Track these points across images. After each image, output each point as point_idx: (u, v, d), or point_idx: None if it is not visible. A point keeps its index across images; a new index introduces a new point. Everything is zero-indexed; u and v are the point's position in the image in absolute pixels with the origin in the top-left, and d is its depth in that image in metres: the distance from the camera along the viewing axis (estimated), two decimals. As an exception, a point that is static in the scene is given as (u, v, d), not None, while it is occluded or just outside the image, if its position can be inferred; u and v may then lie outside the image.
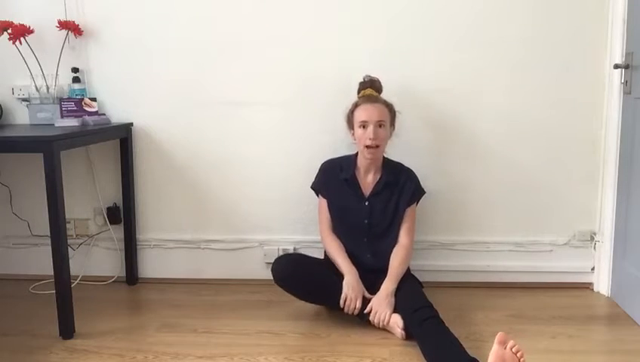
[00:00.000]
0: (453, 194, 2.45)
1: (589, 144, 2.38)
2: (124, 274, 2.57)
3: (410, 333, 1.91)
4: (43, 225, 2.39)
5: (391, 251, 2.15)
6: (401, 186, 2.18)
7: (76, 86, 2.42)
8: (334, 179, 2.21)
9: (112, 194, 2.58)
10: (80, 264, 2.57)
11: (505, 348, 1.56)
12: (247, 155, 2.48)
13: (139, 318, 2.22)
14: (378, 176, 2.19)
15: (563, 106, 2.36)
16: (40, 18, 2.39)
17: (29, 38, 2.36)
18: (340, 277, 2.09)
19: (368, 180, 2.20)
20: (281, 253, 2.47)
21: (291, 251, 2.51)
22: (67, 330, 2.00)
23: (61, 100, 2.34)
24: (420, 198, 2.23)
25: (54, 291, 1.97)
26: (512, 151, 2.40)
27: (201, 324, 2.12)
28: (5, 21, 2.32)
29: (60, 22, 2.36)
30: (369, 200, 2.18)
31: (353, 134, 2.16)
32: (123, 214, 2.53)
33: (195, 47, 2.42)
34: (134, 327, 2.12)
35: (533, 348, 1.86)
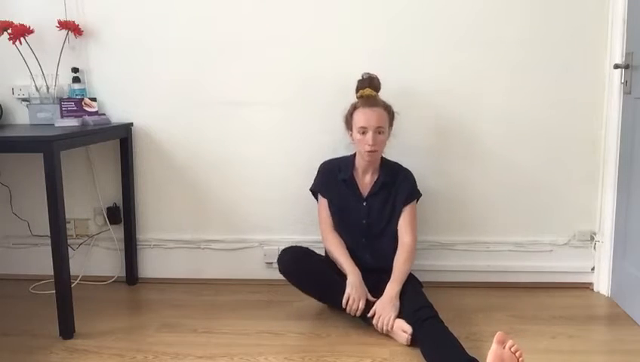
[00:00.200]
0: (453, 194, 2.45)
1: (589, 144, 2.38)
2: (124, 274, 2.57)
3: (415, 340, 1.87)
4: (43, 225, 2.39)
5: (389, 250, 2.14)
6: (397, 186, 2.18)
7: (76, 86, 2.42)
8: (333, 180, 2.21)
9: (112, 194, 2.58)
10: (80, 264, 2.57)
11: (504, 348, 1.56)
12: (247, 155, 2.48)
13: (139, 318, 2.22)
14: (376, 177, 2.19)
15: (563, 106, 2.36)
16: (40, 18, 2.39)
17: (29, 38, 2.36)
18: (342, 277, 2.09)
19: (366, 180, 2.20)
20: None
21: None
22: (67, 330, 2.00)
23: (61, 100, 2.34)
24: (416, 199, 2.21)
25: (54, 291, 1.97)
26: (512, 152, 2.40)
27: (201, 324, 2.12)
28: (5, 21, 2.32)
29: (59, 22, 2.36)
30: (367, 200, 2.19)
31: (351, 135, 2.16)
32: (123, 214, 2.53)
33: (195, 47, 2.42)
34: (134, 327, 2.12)
35: (533, 348, 1.86)
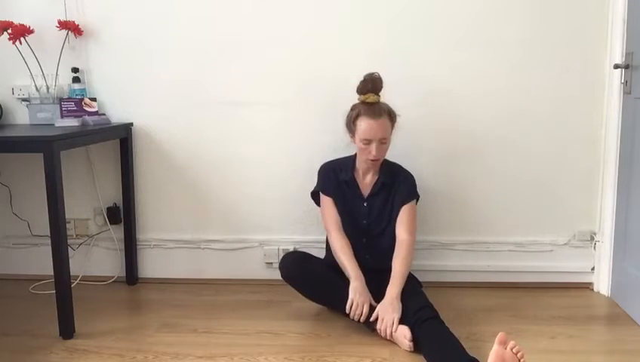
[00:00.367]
0: (453, 194, 2.45)
1: (589, 144, 2.38)
2: (124, 274, 2.57)
3: (417, 343, 1.86)
4: (43, 225, 2.39)
5: (390, 250, 2.13)
6: (397, 187, 2.17)
7: (76, 86, 2.42)
8: (334, 181, 2.21)
9: (112, 194, 2.58)
10: (80, 264, 2.57)
11: (505, 349, 1.56)
12: (247, 155, 2.48)
13: (139, 318, 2.22)
14: (376, 177, 2.19)
15: (563, 106, 2.36)
16: (40, 18, 2.39)
17: (29, 38, 2.36)
18: (344, 280, 2.07)
19: (367, 181, 2.20)
20: (281, 253, 2.47)
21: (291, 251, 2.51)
22: (67, 330, 2.00)
23: (61, 100, 2.34)
24: (415, 200, 2.19)
25: (54, 291, 1.97)
26: (512, 152, 2.40)
27: (201, 324, 2.12)
28: (5, 21, 2.32)
29: (59, 22, 2.36)
30: (367, 200, 2.18)
31: (352, 137, 2.14)
32: (123, 214, 2.53)
33: (195, 47, 2.42)
34: (134, 327, 2.12)
35: (533, 348, 1.86)
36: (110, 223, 2.57)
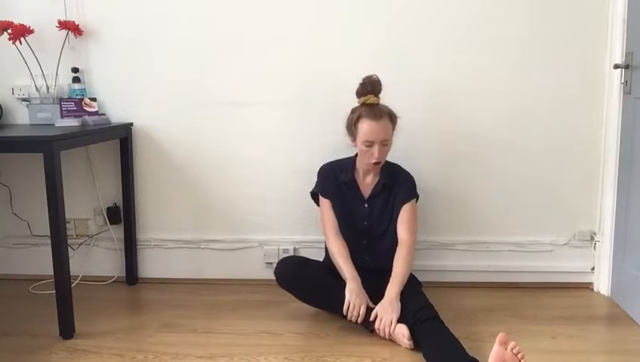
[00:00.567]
0: (453, 194, 2.45)
1: (589, 144, 2.38)
2: (124, 274, 2.57)
3: (416, 343, 1.87)
4: (43, 225, 2.39)
5: (391, 251, 2.13)
6: (397, 187, 2.17)
7: (76, 86, 2.42)
8: (334, 182, 2.21)
9: (112, 194, 2.58)
10: (80, 264, 2.57)
11: (506, 349, 1.56)
12: (247, 155, 2.48)
13: (139, 318, 2.22)
14: (377, 178, 2.18)
15: (563, 106, 2.36)
16: (40, 18, 2.39)
17: (29, 38, 2.36)
18: (341, 282, 2.07)
19: (367, 182, 2.19)
20: (281, 253, 2.48)
21: (291, 251, 2.51)
22: (67, 330, 2.00)
23: (61, 100, 2.34)
24: (414, 199, 2.19)
25: (54, 291, 1.97)
26: (512, 152, 2.40)
27: (201, 324, 2.12)
28: (5, 21, 2.32)
29: (59, 22, 2.36)
30: (368, 201, 2.18)
31: (354, 142, 2.12)
32: (123, 214, 2.53)
33: (195, 47, 2.42)
34: (134, 327, 2.12)
35: (533, 348, 1.86)
36: (110, 223, 2.57)
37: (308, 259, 2.23)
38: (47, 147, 1.88)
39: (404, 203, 2.16)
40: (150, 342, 1.99)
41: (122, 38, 2.44)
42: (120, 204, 2.54)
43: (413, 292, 2.04)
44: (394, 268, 2.07)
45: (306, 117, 2.43)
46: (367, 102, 2.08)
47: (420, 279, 2.22)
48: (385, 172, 2.18)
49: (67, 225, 2.37)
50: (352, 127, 2.10)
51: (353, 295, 1.99)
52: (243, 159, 2.49)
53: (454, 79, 2.36)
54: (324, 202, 2.21)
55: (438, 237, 2.48)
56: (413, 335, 1.88)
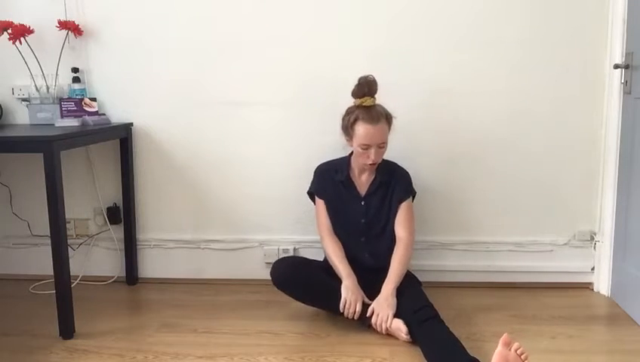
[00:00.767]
0: (452, 194, 2.45)
1: (589, 144, 2.38)
2: (124, 274, 2.57)
3: (415, 341, 1.88)
4: (43, 225, 2.39)
5: (388, 249, 2.14)
6: (394, 185, 2.18)
7: (76, 86, 2.42)
8: (330, 182, 2.21)
9: (112, 194, 2.58)
10: (80, 264, 2.57)
11: (509, 350, 1.56)
12: (247, 155, 2.48)
13: (139, 318, 2.22)
14: (373, 176, 2.19)
15: (563, 106, 2.36)
16: (40, 18, 2.39)
17: (29, 38, 2.36)
18: (338, 280, 2.08)
19: (363, 180, 2.20)
20: (281, 253, 2.48)
21: (291, 251, 2.51)
22: (67, 330, 2.00)
23: (61, 100, 2.34)
24: (412, 196, 2.20)
25: (54, 291, 1.97)
26: (512, 152, 2.40)
27: (201, 324, 2.12)
28: (5, 21, 2.32)
29: (59, 22, 2.36)
30: (365, 199, 2.18)
31: (349, 141, 2.12)
32: (123, 214, 2.53)
33: (195, 47, 2.42)
34: (134, 327, 2.12)
35: (533, 348, 1.85)
36: (110, 223, 2.57)
37: (304, 259, 2.24)
38: (47, 147, 1.88)
39: (401, 202, 2.16)
40: (150, 342, 1.99)
41: (122, 38, 2.44)
42: (120, 204, 2.54)
43: (414, 292, 2.04)
44: (391, 265, 2.09)
45: (305, 117, 2.43)
46: (364, 104, 2.05)
47: (420, 279, 2.22)
48: (381, 169, 2.17)
49: (67, 225, 2.37)
50: (348, 128, 2.09)
51: (349, 292, 2.01)
52: (243, 159, 2.49)
53: (454, 79, 2.36)
54: (319, 203, 2.23)
55: (437, 237, 2.48)
56: (413, 334, 1.89)
